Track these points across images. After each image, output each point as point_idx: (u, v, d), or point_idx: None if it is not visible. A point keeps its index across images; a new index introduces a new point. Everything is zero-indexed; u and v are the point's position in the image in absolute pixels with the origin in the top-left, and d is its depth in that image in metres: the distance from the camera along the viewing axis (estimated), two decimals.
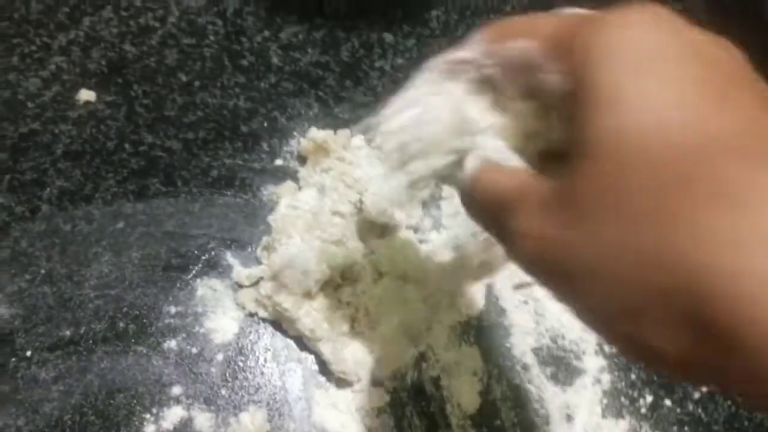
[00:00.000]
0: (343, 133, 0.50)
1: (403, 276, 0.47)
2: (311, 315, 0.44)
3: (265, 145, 0.51)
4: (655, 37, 0.23)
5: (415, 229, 0.50)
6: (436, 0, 0.58)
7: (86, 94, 0.50)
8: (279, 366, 0.45)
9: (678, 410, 0.47)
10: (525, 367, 0.47)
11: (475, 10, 0.58)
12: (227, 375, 0.44)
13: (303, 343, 0.45)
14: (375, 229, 0.48)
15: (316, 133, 0.50)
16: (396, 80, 0.54)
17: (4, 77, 0.49)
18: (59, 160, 0.48)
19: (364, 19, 0.56)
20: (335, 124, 0.52)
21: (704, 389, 0.47)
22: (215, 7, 0.54)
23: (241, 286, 0.46)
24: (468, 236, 0.49)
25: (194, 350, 0.45)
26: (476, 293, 0.49)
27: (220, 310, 0.46)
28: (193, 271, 0.46)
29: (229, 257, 0.47)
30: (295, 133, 0.51)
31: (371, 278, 0.46)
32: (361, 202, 0.46)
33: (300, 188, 0.49)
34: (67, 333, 0.44)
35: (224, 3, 0.55)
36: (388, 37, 0.56)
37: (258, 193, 0.49)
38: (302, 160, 0.50)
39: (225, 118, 0.51)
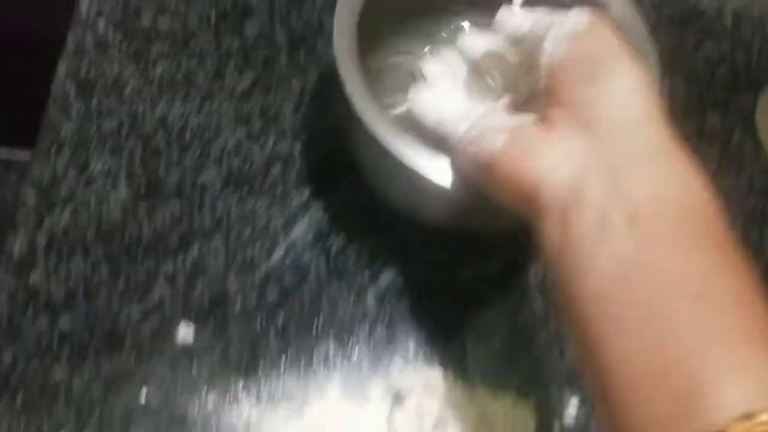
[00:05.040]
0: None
1: None
2: None
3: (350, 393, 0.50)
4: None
5: None
6: (534, 258, 0.58)
7: (185, 330, 0.50)
8: None
9: None
10: None
11: None
12: None
13: None
14: None
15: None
16: (488, 337, 0.54)
17: (107, 304, 0.50)
18: (149, 401, 0.48)
19: (462, 270, 0.56)
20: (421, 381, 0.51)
21: None
22: (321, 244, 0.55)
23: None
24: None
25: None
26: None
27: None
28: None
29: None
30: (382, 385, 0.51)
31: None
32: None
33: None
34: None
35: (330, 240, 0.55)
36: (484, 291, 0.56)
37: None
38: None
39: (316, 365, 0.51)
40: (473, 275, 0.56)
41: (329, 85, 0.61)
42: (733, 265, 0.31)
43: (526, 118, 0.39)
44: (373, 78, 0.54)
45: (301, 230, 0.55)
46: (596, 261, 0.32)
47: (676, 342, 0.29)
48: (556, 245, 0.34)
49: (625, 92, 0.35)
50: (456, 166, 0.42)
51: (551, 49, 0.38)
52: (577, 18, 0.38)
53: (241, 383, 0.49)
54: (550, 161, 0.35)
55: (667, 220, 0.32)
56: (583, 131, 0.35)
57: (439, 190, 0.45)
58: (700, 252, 0.31)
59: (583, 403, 0.53)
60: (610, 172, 0.33)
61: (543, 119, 0.38)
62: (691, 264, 0.31)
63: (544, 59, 0.38)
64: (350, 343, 0.52)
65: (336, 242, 0.55)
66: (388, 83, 0.57)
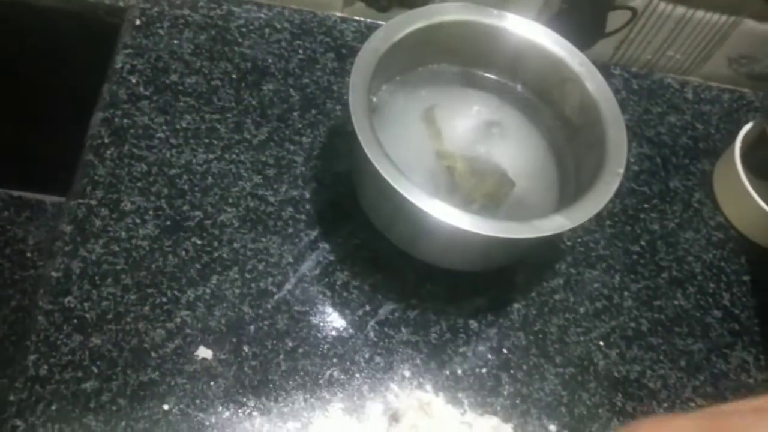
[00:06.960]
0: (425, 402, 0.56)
1: None
2: None
3: (351, 412, 0.55)
4: None
5: None
6: (518, 294, 0.64)
7: (204, 351, 0.55)
8: None
9: None
10: None
11: (553, 307, 0.64)
12: None
13: None
14: None
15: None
16: (476, 367, 0.60)
17: (135, 325, 0.55)
18: (170, 413, 0.53)
19: (453, 305, 0.62)
20: (415, 403, 0.57)
21: None
22: (326, 279, 0.61)
23: None
24: None
25: None
26: None
27: None
28: None
29: None
30: (380, 405, 0.56)
31: None
32: None
33: None
34: None
35: (334, 276, 0.61)
36: (473, 324, 0.62)
37: None
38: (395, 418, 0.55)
39: (320, 387, 0.56)
40: (462, 310, 0.62)
41: (337, 139, 0.68)
42: None
43: None
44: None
45: (308, 266, 0.61)
46: None
47: None
48: None
49: None
50: None
51: None
52: None
53: (253, 400, 0.54)
54: None
55: None
56: None
57: (437, 223, 0.52)
58: None
59: (560, 429, 0.59)
60: None
61: None
62: None
63: None
64: (352, 368, 0.58)
65: (340, 278, 0.61)
66: None
